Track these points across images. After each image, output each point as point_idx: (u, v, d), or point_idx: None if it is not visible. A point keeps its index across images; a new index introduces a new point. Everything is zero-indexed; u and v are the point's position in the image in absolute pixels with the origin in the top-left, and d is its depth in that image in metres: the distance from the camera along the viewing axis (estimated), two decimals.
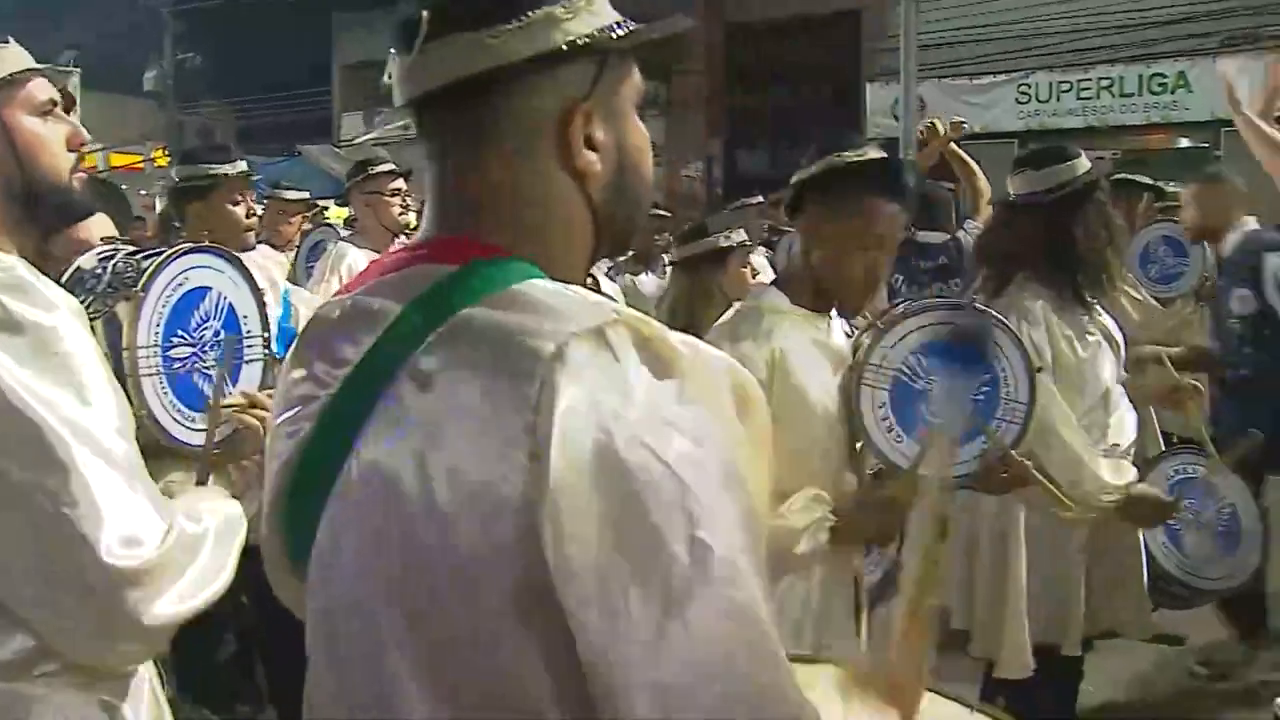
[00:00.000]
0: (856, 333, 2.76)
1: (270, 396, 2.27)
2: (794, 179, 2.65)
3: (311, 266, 5.65)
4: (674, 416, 1.00)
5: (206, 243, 2.56)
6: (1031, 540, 3.32)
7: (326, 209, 6.94)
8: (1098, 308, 3.38)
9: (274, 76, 22.05)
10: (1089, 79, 15.13)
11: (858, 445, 2.66)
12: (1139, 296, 5.71)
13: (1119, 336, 3.44)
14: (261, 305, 2.40)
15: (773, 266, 7.21)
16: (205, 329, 2.28)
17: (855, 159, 2.56)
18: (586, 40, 1.14)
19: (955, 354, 2.72)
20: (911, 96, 7.94)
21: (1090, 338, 3.28)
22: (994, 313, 2.83)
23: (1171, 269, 5.91)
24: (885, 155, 2.62)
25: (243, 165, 3.95)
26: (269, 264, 4.41)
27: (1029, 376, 2.76)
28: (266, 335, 2.41)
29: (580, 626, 0.96)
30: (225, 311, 2.33)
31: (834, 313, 2.70)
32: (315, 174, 20.31)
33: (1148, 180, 6.40)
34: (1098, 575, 3.40)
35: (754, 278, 4.40)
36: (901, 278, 5.33)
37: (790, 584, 2.49)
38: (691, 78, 17.59)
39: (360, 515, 1.09)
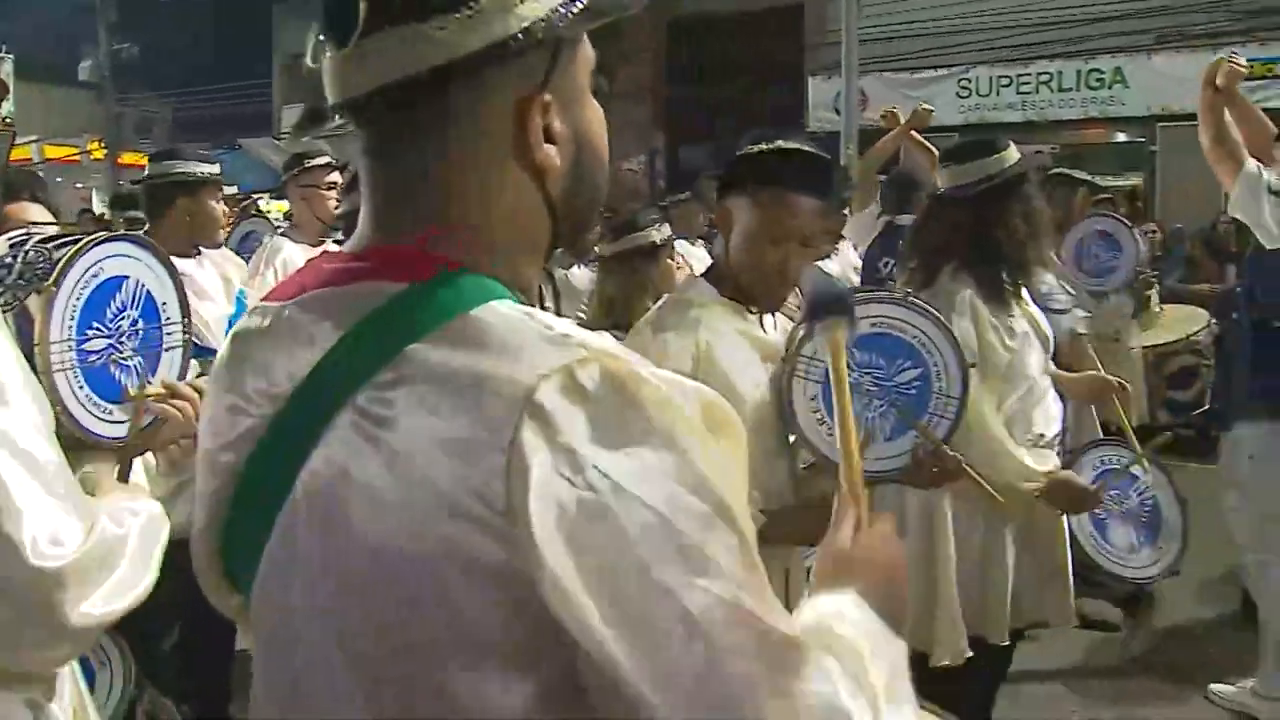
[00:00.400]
0: (794, 324, 2.75)
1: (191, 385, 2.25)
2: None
3: (243, 258, 5.59)
4: (655, 459, 0.94)
5: (122, 230, 2.51)
6: (958, 532, 3.33)
7: (258, 201, 6.86)
8: (1026, 299, 3.42)
9: (213, 68, 21.80)
10: (1028, 74, 15.29)
11: (792, 438, 2.65)
12: (1072, 291, 5.81)
13: (1047, 328, 3.48)
14: (181, 291, 2.35)
15: (711, 256, 7.23)
16: (122, 319, 2.22)
17: (764, 149, 2.53)
18: (542, 25, 1.04)
19: (885, 346, 2.73)
20: (853, 90, 7.97)
21: (1017, 329, 3.31)
22: (929, 307, 2.83)
23: (1105, 263, 5.98)
24: (799, 148, 2.55)
25: (216, 166, 4.28)
26: (227, 264, 4.45)
27: (961, 371, 2.76)
28: (186, 322, 2.36)
29: (601, 687, 0.92)
30: (143, 300, 2.27)
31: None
32: (255, 167, 20.12)
33: (1084, 175, 6.46)
34: (1024, 566, 3.43)
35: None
36: (890, 261, 5.31)
37: None
38: (634, 70, 17.58)
39: (307, 557, 1.02)
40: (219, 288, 4.25)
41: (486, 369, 0.96)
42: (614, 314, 3.99)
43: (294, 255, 4.93)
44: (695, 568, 0.92)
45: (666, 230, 4.29)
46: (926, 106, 6.84)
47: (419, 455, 0.95)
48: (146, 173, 4.35)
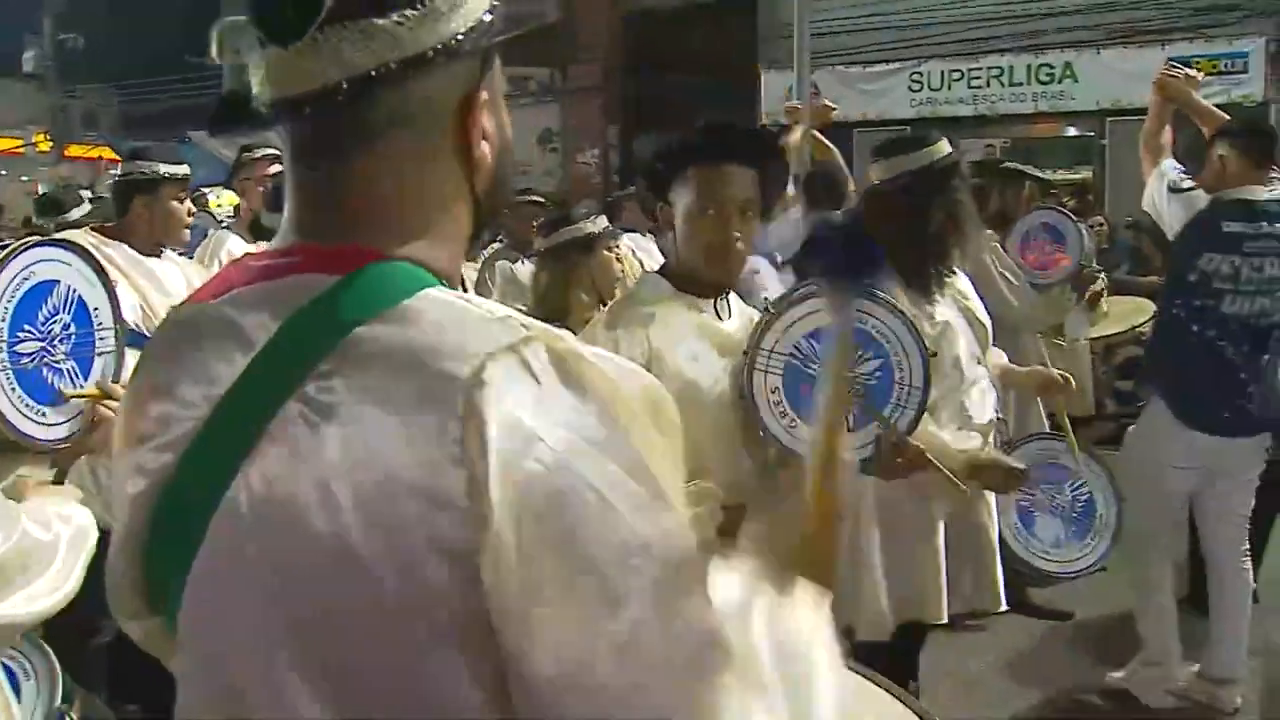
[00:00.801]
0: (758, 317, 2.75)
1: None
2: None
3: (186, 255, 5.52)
4: (599, 438, 0.95)
5: (54, 235, 2.51)
6: (889, 518, 3.36)
7: (207, 196, 6.75)
8: (964, 290, 3.46)
9: (162, 59, 21.49)
10: (979, 68, 15.38)
11: (761, 433, 2.66)
12: (1016, 282, 5.88)
13: (984, 317, 3.52)
14: (113, 296, 2.34)
15: (663, 253, 7.24)
16: (54, 323, 2.22)
17: (686, 134, 2.58)
18: (484, 25, 1.06)
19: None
20: (805, 84, 7.95)
21: (938, 316, 3.35)
22: (888, 297, 2.85)
23: (1050, 256, 6.03)
24: (722, 123, 2.61)
25: (183, 167, 4.28)
26: (189, 270, 4.41)
27: (923, 361, 2.78)
28: (118, 327, 2.35)
29: (525, 659, 0.91)
30: (75, 304, 2.26)
31: (731, 296, 2.69)
32: (206, 160, 19.79)
33: (1032, 170, 6.53)
34: (953, 550, 3.46)
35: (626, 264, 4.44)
36: None
37: None
38: (588, 64, 17.54)
39: (255, 557, 0.99)
40: (183, 287, 4.21)
41: (431, 351, 0.96)
42: (550, 306, 4.03)
43: (238, 248, 4.89)
44: (632, 549, 0.92)
45: (603, 222, 4.32)
46: (829, 104, 6.78)
47: (371, 441, 0.95)
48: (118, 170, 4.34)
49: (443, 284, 1.07)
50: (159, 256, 4.13)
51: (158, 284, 3.88)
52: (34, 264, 2.18)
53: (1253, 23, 13.78)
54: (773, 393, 2.61)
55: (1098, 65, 14.41)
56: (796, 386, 2.65)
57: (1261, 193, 4.38)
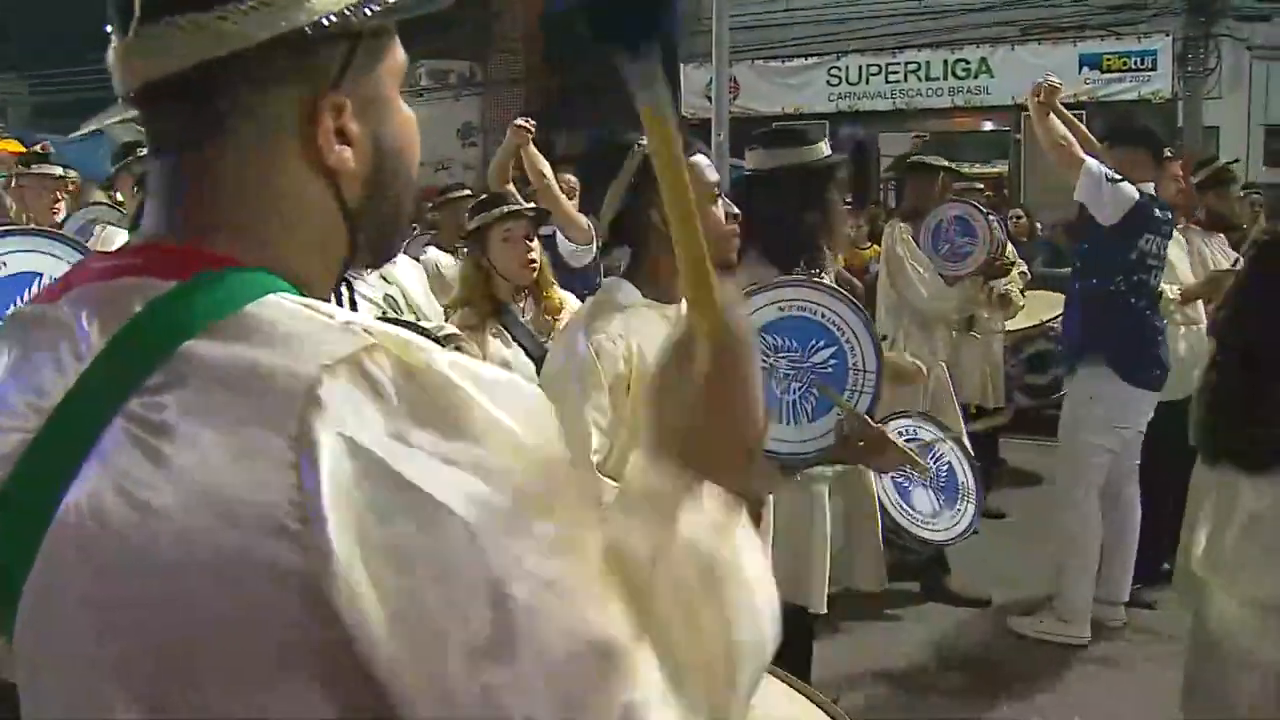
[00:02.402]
0: None
1: None
2: None
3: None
4: (451, 452, 0.88)
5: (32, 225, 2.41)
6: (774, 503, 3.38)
7: (106, 188, 6.59)
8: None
9: (74, 48, 21.02)
10: (896, 63, 15.54)
11: None
12: (926, 275, 5.96)
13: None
14: None
15: (609, 270, 7.19)
16: None
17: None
18: (335, 20, 0.98)
19: (796, 329, 2.78)
20: (724, 78, 7.96)
21: None
22: (834, 286, 2.88)
23: (961, 248, 6.11)
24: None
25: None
26: None
27: (874, 344, 2.81)
28: None
29: (396, 695, 0.85)
30: None
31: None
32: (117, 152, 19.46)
33: (942, 162, 6.61)
34: (838, 532, 3.50)
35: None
36: None
37: None
38: (509, 57, 17.44)
39: (82, 587, 0.92)
40: None
41: (265, 364, 0.90)
42: (465, 295, 4.08)
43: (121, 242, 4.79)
44: (493, 570, 0.85)
45: (499, 213, 4.26)
46: (530, 123, 6.30)
47: (200, 462, 0.88)
48: None
49: (292, 288, 1.00)
50: None
51: None
52: (7, 254, 2.09)
53: (1161, 21, 14.09)
54: None
55: (1013, 61, 14.62)
56: None
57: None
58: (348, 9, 0.99)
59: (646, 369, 2.46)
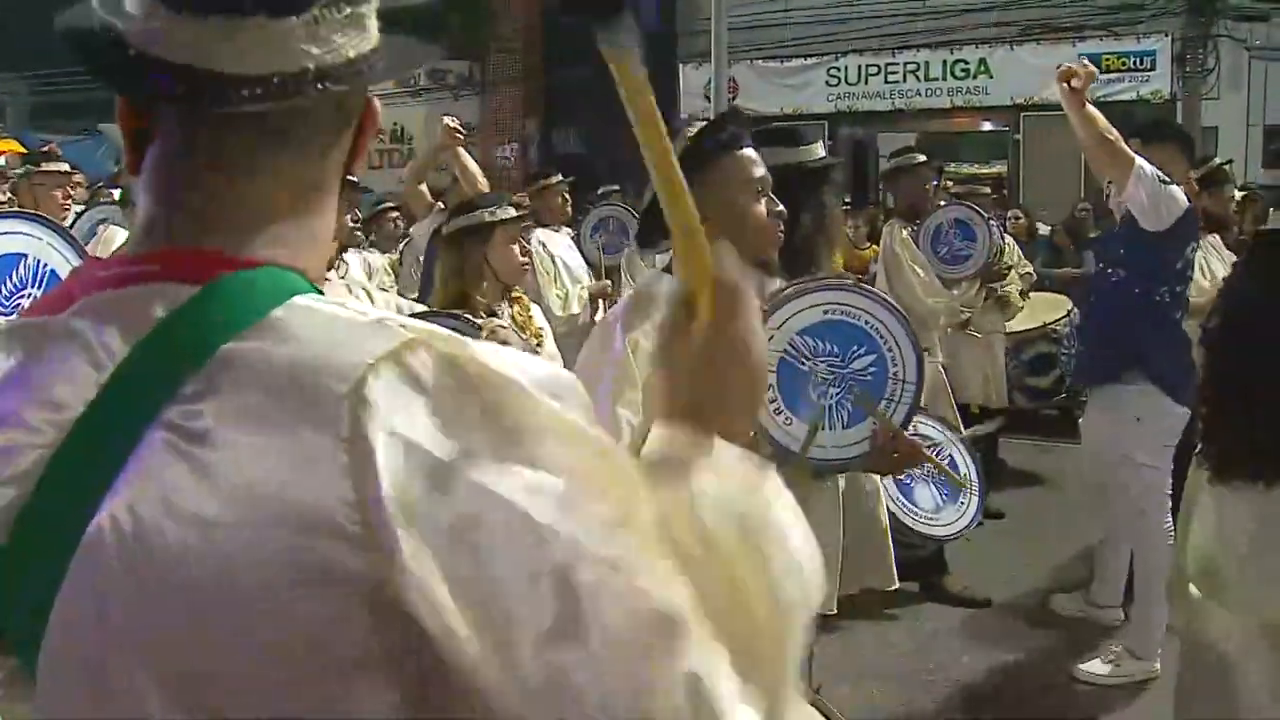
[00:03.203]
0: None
1: None
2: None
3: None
4: (501, 443, 0.87)
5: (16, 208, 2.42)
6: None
7: (111, 190, 6.59)
8: None
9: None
10: (895, 63, 15.55)
11: (754, 431, 2.65)
12: (925, 277, 5.95)
13: None
14: None
15: (577, 245, 7.21)
16: (23, 296, 2.14)
17: (694, 135, 2.62)
18: (381, 38, 1.03)
19: (838, 333, 2.75)
20: (723, 78, 7.92)
21: None
22: (879, 292, 2.86)
23: (960, 251, 6.11)
24: (719, 118, 2.75)
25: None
26: None
27: (916, 355, 2.78)
28: None
29: (471, 686, 0.84)
30: (46, 277, 2.17)
31: None
32: (117, 153, 19.47)
33: (921, 158, 6.61)
34: (847, 533, 3.49)
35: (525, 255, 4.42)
36: None
37: None
38: (507, 57, 17.43)
39: (124, 605, 0.88)
40: None
41: (305, 365, 0.88)
42: (449, 294, 4.04)
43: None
44: (555, 558, 0.85)
45: (509, 212, 4.24)
46: (459, 127, 6.38)
47: (248, 469, 0.86)
48: None
49: (316, 289, 1.00)
50: None
51: None
52: None
53: (1160, 21, 14.10)
54: (766, 389, 2.60)
55: (1011, 61, 14.64)
56: (791, 383, 2.64)
57: None
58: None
59: None
